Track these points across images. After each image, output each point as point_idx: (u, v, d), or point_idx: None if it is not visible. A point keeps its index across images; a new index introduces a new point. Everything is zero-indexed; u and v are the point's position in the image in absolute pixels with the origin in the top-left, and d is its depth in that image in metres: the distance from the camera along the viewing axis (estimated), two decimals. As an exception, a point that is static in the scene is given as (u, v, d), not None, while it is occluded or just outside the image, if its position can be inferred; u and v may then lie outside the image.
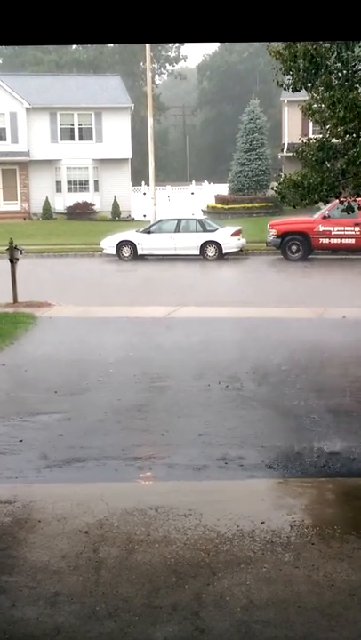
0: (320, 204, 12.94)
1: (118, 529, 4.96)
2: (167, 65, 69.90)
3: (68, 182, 41.27)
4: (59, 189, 41.12)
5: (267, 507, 5.44)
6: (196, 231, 25.11)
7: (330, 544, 4.70)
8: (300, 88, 11.72)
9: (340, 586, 4.20)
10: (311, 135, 12.67)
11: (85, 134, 41.47)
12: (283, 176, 11.96)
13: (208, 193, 42.02)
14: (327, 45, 11.07)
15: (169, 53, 68.04)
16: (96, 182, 41.42)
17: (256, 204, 38.20)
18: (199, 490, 5.85)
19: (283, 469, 6.29)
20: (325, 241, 23.55)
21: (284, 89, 12.13)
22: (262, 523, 4.98)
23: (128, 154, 41.68)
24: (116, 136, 41.04)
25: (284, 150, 36.85)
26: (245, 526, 4.93)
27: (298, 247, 23.77)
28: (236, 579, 4.27)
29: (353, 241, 23.29)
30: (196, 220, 26.51)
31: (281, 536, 4.81)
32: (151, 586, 4.21)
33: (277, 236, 23.96)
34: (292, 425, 7.50)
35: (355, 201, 11.98)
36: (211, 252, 24.73)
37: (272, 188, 13.08)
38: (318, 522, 5.11)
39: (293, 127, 34.73)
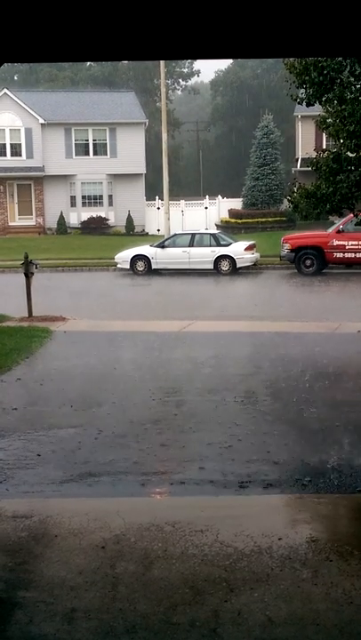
0: (334, 218, 13.00)
1: (135, 544, 4.93)
2: (181, 80, 70.29)
3: (83, 197, 41.52)
4: (73, 204, 41.37)
5: (284, 523, 5.40)
6: (210, 245, 25.17)
7: (348, 561, 4.66)
8: (314, 102, 11.77)
9: (360, 603, 4.15)
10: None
11: (100, 150, 41.76)
12: (297, 185, 12.05)
13: (222, 207, 42.13)
14: (340, 59, 11.12)
15: (182, 69, 68.42)
16: (110, 197, 41.64)
17: (270, 219, 38.27)
18: (216, 505, 5.81)
19: (300, 485, 6.24)
20: (340, 255, 23.51)
21: (299, 103, 12.19)
22: (280, 539, 4.94)
23: (142, 169, 41.90)
24: (131, 151, 41.27)
25: (298, 165, 36.91)
26: (262, 542, 4.89)
27: (312, 261, 23.74)
28: (254, 595, 4.23)
29: (367, 255, 23.24)
30: (210, 234, 26.57)
31: (298, 552, 4.76)
32: (169, 602, 4.18)
33: (291, 251, 23.97)
34: (310, 440, 7.45)
35: (370, 215, 11.99)
36: (225, 266, 24.76)
37: (286, 197, 13.15)
38: (336, 538, 5.06)
39: (307, 142, 34.80)
